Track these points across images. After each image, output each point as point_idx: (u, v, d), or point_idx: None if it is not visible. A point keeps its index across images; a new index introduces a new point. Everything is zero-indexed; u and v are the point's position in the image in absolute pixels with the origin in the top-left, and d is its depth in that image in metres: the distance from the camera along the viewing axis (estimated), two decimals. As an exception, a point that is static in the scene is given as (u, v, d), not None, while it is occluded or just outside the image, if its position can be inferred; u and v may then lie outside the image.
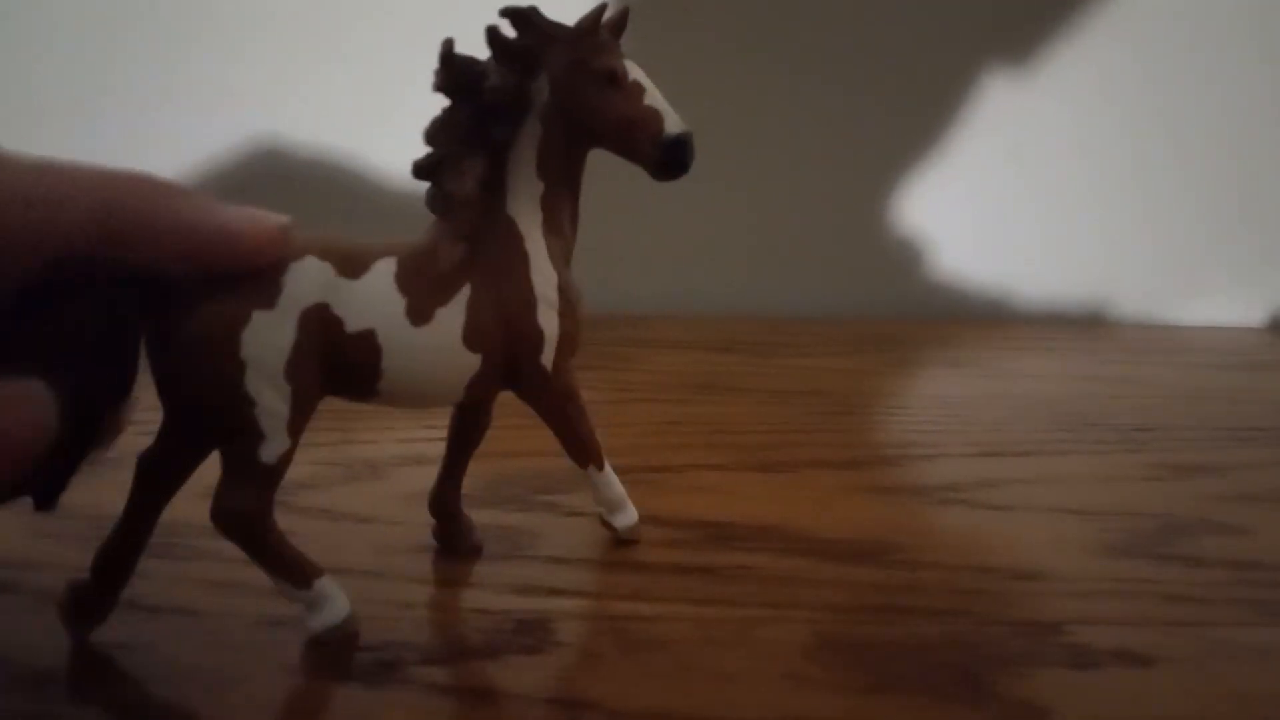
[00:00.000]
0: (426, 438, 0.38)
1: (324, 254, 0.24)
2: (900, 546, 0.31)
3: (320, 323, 0.24)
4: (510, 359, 0.26)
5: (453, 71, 0.26)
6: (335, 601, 0.25)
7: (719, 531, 0.32)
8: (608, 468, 0.30)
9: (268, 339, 0.23)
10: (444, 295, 0.25)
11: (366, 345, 0.24)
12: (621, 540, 0.30)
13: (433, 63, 0.26)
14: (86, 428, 0.22)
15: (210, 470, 0.36)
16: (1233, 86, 0.69)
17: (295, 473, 0.36)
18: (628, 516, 0.30)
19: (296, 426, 0.24)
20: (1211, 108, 0.70)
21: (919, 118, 0.69)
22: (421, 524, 0.32)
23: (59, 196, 0.21)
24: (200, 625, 0.25)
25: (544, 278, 0.27)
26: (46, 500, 0.22)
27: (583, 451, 0.29)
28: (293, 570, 0.24)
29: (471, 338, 0.25)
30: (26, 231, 0.21)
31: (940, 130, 0.69)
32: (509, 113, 0.26)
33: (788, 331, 0.62)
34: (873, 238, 0.71)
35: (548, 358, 0.27)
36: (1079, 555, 0.30)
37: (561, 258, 0.27)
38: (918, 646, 0.25)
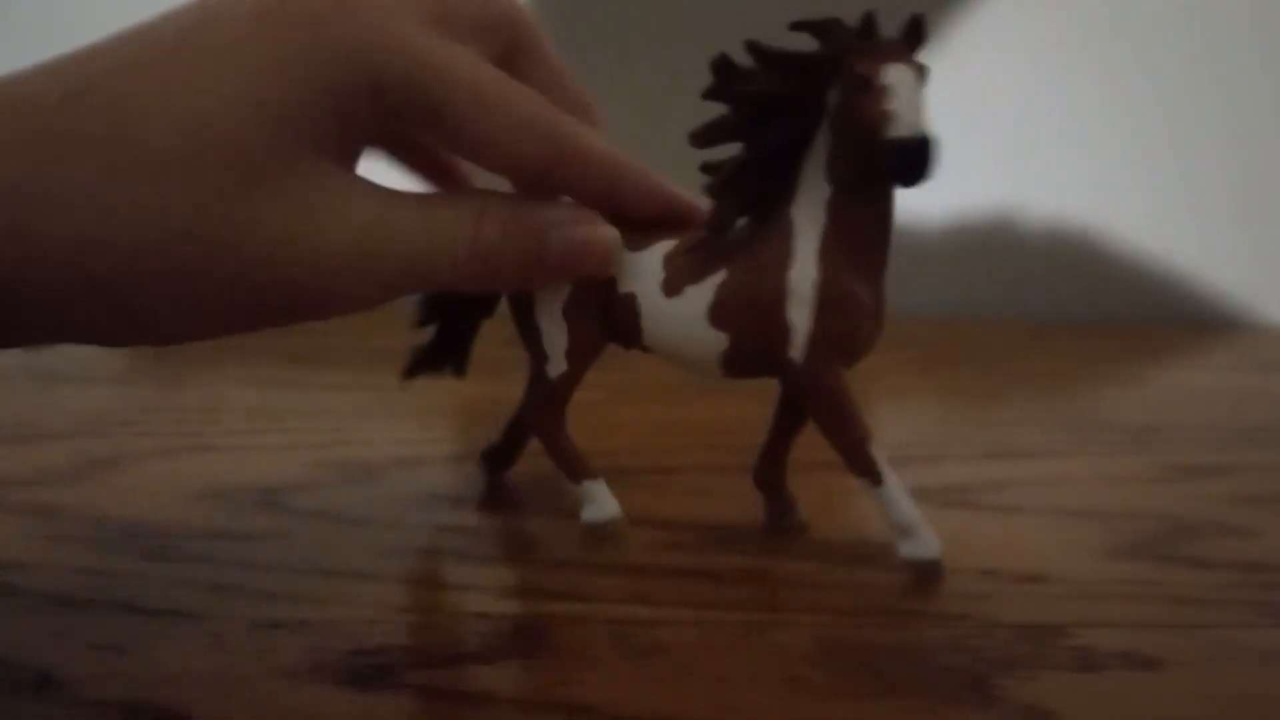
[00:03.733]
0: (425, 439, 0.38)
1: (620, 227, 0.28)
2: (903, 548, 0.30)
3: (597, 280, 0.29)
4: (762, 347, 0.28)
5: (722, 78, 0.27)
6: (603, 502, 0.30)
7: (720, 534, 0.32)
8: (890, 482, 0.27)
9: (552, 285, 0.29)
10: (697, 275, 0.28)
11: (630, 305, 0.29)
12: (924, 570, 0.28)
13: None
14: (462, 330, 0.33)
15: (206, 473, 0.36)
16: (1236, 80, 0.69)
17: (290, 474, 0.36)
18: (917, 546, 0.28)
19: (575, 356, 0.30)
20: (1215, 104, 0.69)
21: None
22: (418, 526, 0.32)
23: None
24: (199, 628, 0.25)
25: (804, 276, 0.27)
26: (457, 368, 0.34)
27: (850, 460, 0.28)
28: (568, 465, 0.30)
29: (717, 317, 0.28)
30: None
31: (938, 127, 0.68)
32: (775, 117, 0.27)
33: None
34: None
35: (797, 353, 0.28)
36: (1085, 557, 0.30)
37: (845, 262, 0.27)
38: (921, 650, 0.25)
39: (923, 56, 0.27)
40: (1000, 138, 0.69)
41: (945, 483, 0.37)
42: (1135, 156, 0.70)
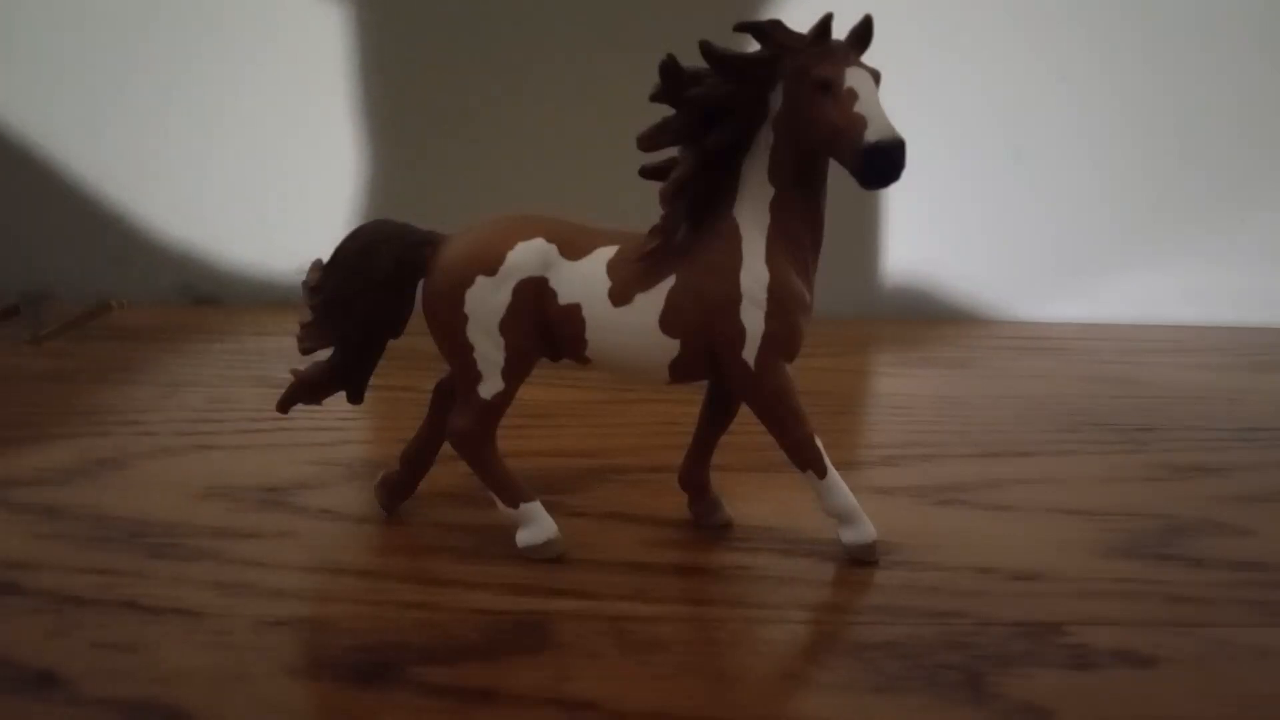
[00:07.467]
0: (427, 438, 0.38)
1: (552, 236, 0.28)
2: (901, 547, 0.31)
3: (535, 292, 0.28)
4: (712, 351, 0.28)
5: (669, 81, 0.27)
6: (540, 524, 0.29)
7: (719, 532, 0.32)
8: (833, 474, 0.29)
9: (485, 299, 0.28)
10: (647, 282, 0.28)
11: (573, 317, 0.28)
12: (855, 560, 0.29)
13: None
14: (367, 351, 0.30)
15: (209, 472, 0.36)
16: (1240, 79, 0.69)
17: (293, 472, 0.36)
18: (859, 532, 0.29)
19: (511, 374, 0.28)
20: (1218, 100, 0.69)
21: (917, 118, 0.69)
22: (420, 524, 0.32)
23: None
24: (202, 626, 0.25)
25: (754, 278, 0.27)
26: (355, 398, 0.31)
27: (797, 454, 0.28)
28: (503, 488, 0.29)
29: (669, 323, 0.28)
30: None
31: (942, 131, 0.69)
32: (719, 119, 0.27)
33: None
34: (873, 238, 0.71)
35: (750, 355, 0.28)
36: (1080, 556, 0.30)
37: (787, 261, 0.28)
38: (918, 647, 0.25)
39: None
40: (1000, 134, 0.69)
41: (942, 481, 0.37)
42: (1140, 152, 0.70)
